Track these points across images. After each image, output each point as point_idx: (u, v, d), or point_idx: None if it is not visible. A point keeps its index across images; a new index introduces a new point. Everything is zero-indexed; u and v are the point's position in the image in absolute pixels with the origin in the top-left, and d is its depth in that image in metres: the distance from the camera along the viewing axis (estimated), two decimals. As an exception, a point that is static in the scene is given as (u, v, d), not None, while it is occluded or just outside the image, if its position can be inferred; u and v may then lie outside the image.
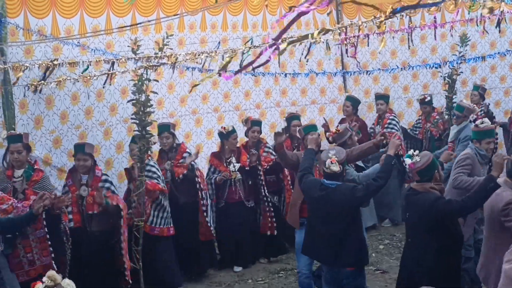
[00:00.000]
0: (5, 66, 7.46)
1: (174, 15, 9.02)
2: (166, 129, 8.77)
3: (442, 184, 6.30)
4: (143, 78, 7.74)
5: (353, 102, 10.65)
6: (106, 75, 7.80)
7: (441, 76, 10.37)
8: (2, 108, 7.97)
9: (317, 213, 6.54)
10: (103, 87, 8.41)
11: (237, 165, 8.95)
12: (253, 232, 9.21)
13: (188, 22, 9.82)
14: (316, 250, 6.64)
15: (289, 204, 7.95)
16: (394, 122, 10.44)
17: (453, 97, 9.67)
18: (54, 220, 6.90)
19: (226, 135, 8.99)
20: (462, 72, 10.48)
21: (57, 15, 8.46)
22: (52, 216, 6.81)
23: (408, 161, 6.04)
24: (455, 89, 9.80)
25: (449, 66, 9.83)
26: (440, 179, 6.20)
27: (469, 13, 8.76)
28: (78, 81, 8.06)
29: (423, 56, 11.95)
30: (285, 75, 10.49)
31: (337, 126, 9.22)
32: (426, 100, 10.75)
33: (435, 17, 7.16)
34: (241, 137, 9.56)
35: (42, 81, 7.77)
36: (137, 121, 7.90)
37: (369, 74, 10.74)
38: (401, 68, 10.58)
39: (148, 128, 7.95)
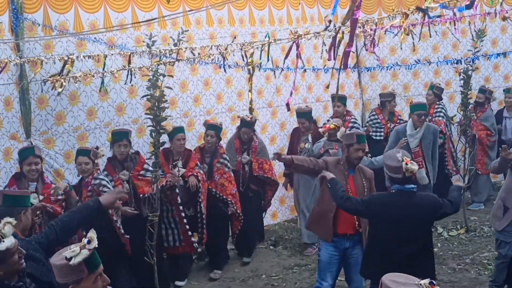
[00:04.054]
0: (20, 60, 7.46)
1: (193, 9, 9.00)
2: (124, 136, 8.12)
3: None
4: (158, 74, 7.76)
5: (309, 116, 9.63)
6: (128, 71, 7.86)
7: (455, 71, 10.22)
8: (20, 103, 7.97)
9: (398, 228, 5.95)
10: (131, 84, 8.37)
11: (182, 171, 8.34)
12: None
13: (216, 17, 9.82)
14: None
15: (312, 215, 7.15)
16: (356, 125, 9.94)
17: (468, 93, 9.56)
18: None
19: (170, 135, 8.52)
20: (477, 68, 10.33)
21: (79, 10, 8.41)
22: None
23: None
24: (471, 85, 9.68)
25: (464, 61, 9.70)
26: None
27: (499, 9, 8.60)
28: (94, 77, 8.10)
29: (445, 52, 11.84)
30: (305, 70, 10.43)
31: (324, 123, 9.18)
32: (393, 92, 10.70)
33: (454, 13, 7.11)
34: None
35: (59, 77, 7.78)
36: (151, 117, 7.93)
37: (388, 69, 10.65)
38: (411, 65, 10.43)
39: (162, 124, 7.98)
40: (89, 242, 3.95)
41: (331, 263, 6.81)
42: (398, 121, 10.46)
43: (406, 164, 5.80)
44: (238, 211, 8.92)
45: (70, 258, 3.88)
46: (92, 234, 4.01)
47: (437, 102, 10.69)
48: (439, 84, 11.07)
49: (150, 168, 8.04)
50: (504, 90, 11.38)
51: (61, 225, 4.99)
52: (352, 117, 10.13)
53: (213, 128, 8.87)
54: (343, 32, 5.87)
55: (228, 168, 8.87)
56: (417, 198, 5.99)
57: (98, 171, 7.70)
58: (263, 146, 9.44)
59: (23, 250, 4.37)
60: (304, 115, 9.56)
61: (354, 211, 6.22)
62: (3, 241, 4.18)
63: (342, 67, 5.11)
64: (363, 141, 6.83)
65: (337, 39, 5.51)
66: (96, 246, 4.00)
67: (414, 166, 5.82)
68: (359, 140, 6.77)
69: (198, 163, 8.63)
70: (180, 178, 8.31)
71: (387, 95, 10.67)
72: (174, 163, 8.41)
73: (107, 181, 7.61)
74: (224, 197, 8.80)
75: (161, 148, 8.40)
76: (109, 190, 7.33)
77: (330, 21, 5.64)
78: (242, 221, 9.05)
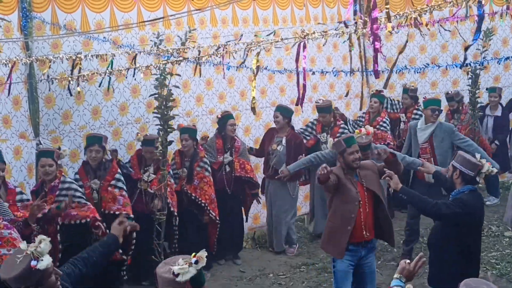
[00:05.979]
0: (30, 59, 7.48)
1: (198, 9, 9.01)
2: (97, 141, 7.84)
3: None
4: (165, 73, 7.79)
5: (285, 112, 9.48)
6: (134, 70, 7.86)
7: (463, 70, 10.19)
8: (28, 102, 8.00)
9: (478, 228, 6.19)
10: (134, 79, 8.38)
11: (152, 177, 8.25)
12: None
13: (219, 17, 9.83)
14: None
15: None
16: (346, 130, 9.60)
17: (476, 92, 9.52)
18: None
19: (143, 144, 8.42)
20: (485, 67, 10.30)
21: (86, 10, 8.44)
22: None
23: None
24: (479, 83, 9.65)
25: (471, 62, 9.68)
26: None
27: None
28: (100, 75, 8.10)
29: (454, 51, 11.80)
30: (313, 72, 10.36)
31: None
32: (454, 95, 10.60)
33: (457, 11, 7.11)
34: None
35: (69, 76, 7.80)
36: (159, 115, 7.97)
37: (398, 71, 10.58)
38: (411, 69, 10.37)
39: (170, 123, 8.01)
40: (196, 262, 3.88)
41: (348, 273, 6.61)
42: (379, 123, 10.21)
43: (488, 166, 5.95)
44: (215, 214, 8.69)
45: (177, 275, 3.82)
46: (202, 253, 3.92)
47: (416, 106, 10.64)
48: (412, 86, 10.98)
49: (122, 179, 7.84)
50: (487, 89, 11.21)
51: (82, 261, 4.71)
52: (342, 123, 9.79)
53: (187, 131, 8.68)
54: (350, 34, 5.87)
55: (208, 172, 8.70)
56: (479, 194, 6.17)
57: (62, 174, 7.32)
58: (245, 147, 9.34)
59: (58, 270, 4.17)
60: (284, 109, 9.45)
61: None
62: (42, 260, 3.94)
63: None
64: (353, 142, 6.69)
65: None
66: (203, 265, 3.94)
67: (493, 170, 5.99)
68: (348, 143, 6.66)
69: (170, 171, 8.42)
70: (148, 184, 8.16)
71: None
72: (145, 169, 8.30)
73: (77, 186, 7.28)
74: (203, 201, 8.60)
75: (136, 150, 8.58)
76: (81, 200, 7.13)
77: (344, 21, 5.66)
78: (229, 224, 9.02)
